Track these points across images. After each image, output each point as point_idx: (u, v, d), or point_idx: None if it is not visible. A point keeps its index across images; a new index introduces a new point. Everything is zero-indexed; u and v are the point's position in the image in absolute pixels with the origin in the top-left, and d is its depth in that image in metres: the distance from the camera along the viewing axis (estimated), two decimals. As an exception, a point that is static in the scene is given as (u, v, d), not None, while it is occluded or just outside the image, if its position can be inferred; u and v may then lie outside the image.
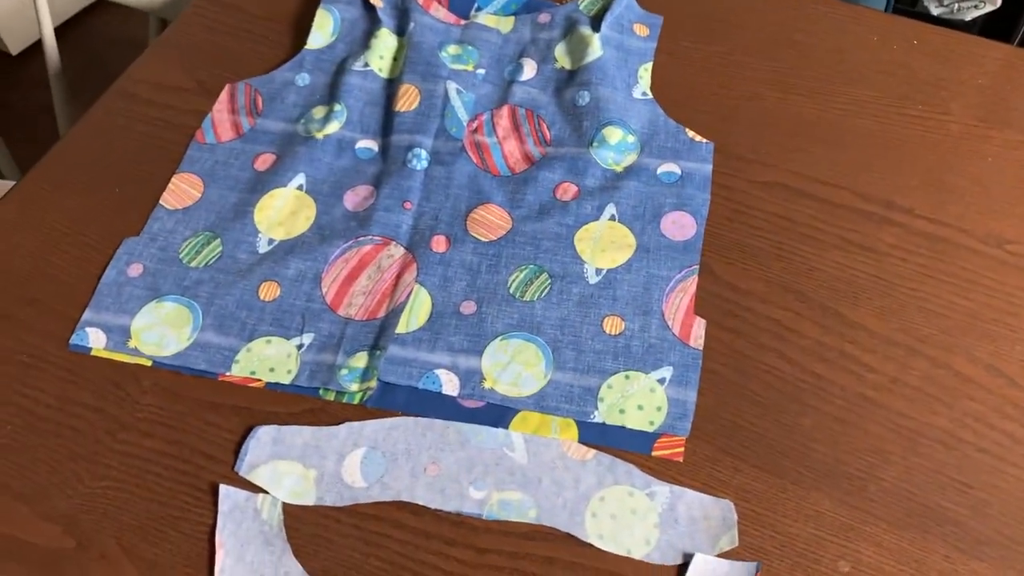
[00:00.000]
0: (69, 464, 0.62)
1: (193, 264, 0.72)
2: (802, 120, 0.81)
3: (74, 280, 0.71)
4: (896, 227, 0.74)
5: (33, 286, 0.71)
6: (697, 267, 0.71)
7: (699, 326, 0.68)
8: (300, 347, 0.67)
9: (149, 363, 0.67)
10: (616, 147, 0.78)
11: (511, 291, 0.70)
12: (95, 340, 0.68)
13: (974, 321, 0.68)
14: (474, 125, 0.80)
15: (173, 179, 0.77)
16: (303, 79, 0.83)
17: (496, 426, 0.64)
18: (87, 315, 0.69)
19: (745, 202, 0.76)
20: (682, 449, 0.62)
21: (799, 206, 0.75)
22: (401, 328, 0.68)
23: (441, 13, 0.87)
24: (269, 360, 0.66)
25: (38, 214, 0.75)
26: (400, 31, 0.86)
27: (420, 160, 0.77)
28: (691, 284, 0.70)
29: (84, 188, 0.77)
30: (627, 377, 0.65)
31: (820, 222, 0.74)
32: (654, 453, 0.62)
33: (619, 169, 0.77)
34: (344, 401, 0.65)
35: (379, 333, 0.68)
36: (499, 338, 0.67)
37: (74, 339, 0.68)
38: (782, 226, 0.74)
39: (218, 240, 0.73)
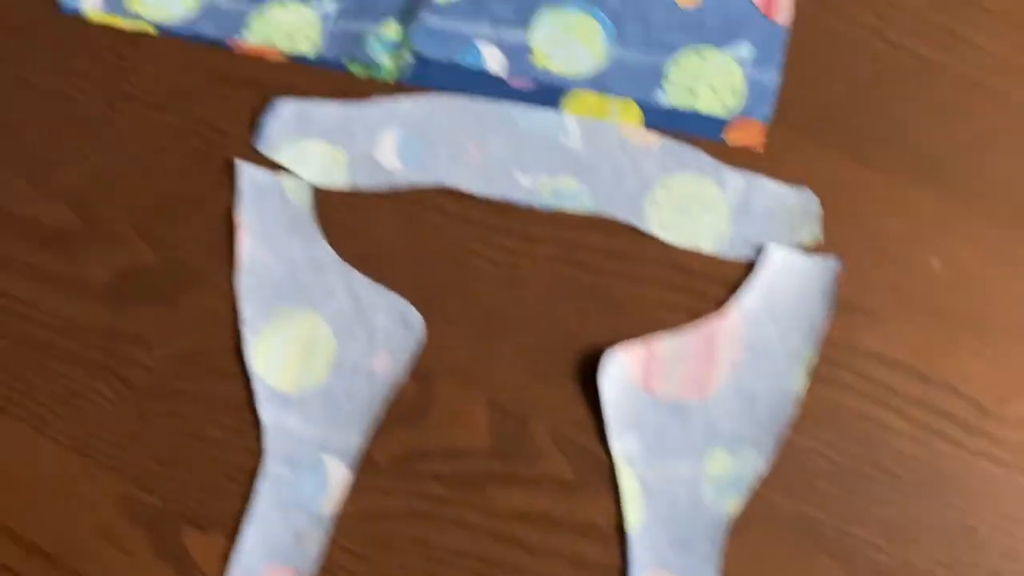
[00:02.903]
0: (69, 137, 0.56)
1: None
2: None
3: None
4: None
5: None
6: (787, -70, 0.60)
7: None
8: (322, 13, 0.58)
9: (152, 30, 0.58)
10: None
11: (567, -46, 0.59)
12: (89, 0, 0.58)
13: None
14: None
15: None
16: None
17: (547, 106, 0.56)
18: (76, -26, 0.59)
19: None
20: (762, 136, 0.55)
21: None
22: (438, -5, 0.58)
23: None
24: (287, 26, 0.58)
25: None
26: None
27: None
28: (779, -50, 0.59)
29: None
30: (700, 54, 0.56)
31: None
32: (728, 139, 0.55)
33: None
34: (376, 77, 0.57)
35: (412, 1, 0.58)
36: (550, 8, 0.58)
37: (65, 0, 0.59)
38: None
39: None
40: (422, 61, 0.57)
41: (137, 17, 0.58)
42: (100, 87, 0.57)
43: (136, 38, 0.58)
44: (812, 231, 0.52)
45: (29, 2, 0.59)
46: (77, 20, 0.58)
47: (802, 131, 0.55)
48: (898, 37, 0.57)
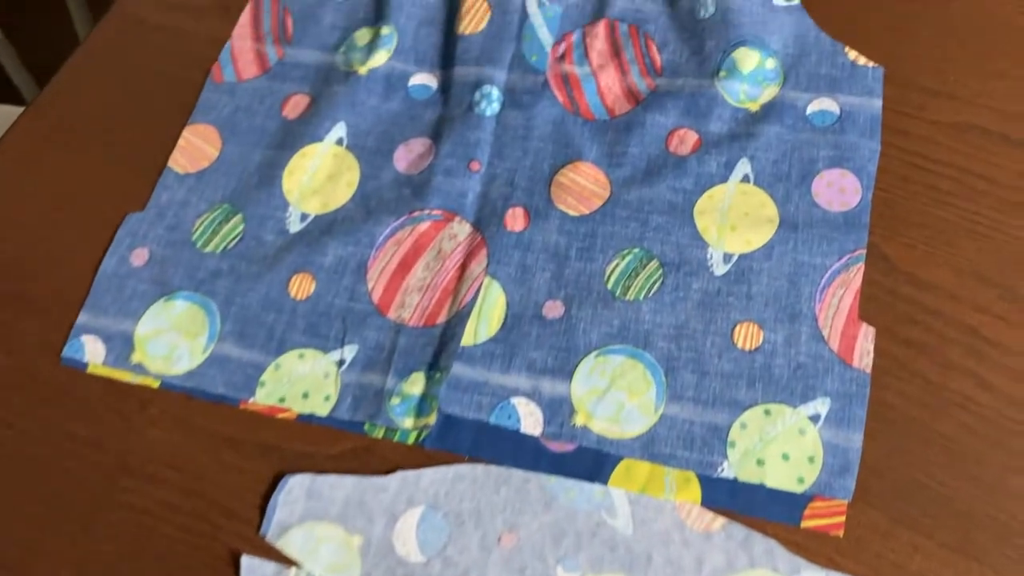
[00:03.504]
0: (63, 521, 0.50)
1: (208, 249, 0.57)
2: (1010, 30, 0.60)
3: (68, 269, 0.58)
4: None
5: (18, 277, 0.58)
6: (863, 251, 0.53)
7: (866, 337, 0.50)
8: (341, 364, 0.53)
9: (156, 384, 0.53)
10: (751, 76, 0.58)
11: (609, 286, 0.53)
12: (92, 353, 0.54)
13: None
14: (560, 50, 0.61)
15: (185, 132, 0.61)
16: (343, -10, 0.66)
17: (592, 480, 0.48)
18: (82, 318, 0.55)
19: (929, 154, 0.56)
20: (843, 519, 0.46)
21: (1004, 159, 0.55)
22: (467, 339, 0.52)
23: None
24: (302, 382, 0.52)
25: (21, 181, 0.61)
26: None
27: (491, 102, 0.59)
28: (855, 276, 0.52)
29: (77, 145, 0.62)
30: (767, 412, 0.49)
31: (1033, 179, 0.55)
32: (804, 524, 0.46)
33: (755, 108, 0.58)
34: (396, 440, 0.51)
35: (439, 346, 0.52)
36: (594, 353, 0.51)
37: (67, 351, 0.55)
38: (980, 189, 0.55)
39: (239, 216, 0.58)
40: (449, 421, 0.50)
41: (142, 371, 0.54)
42: (100, 454, 0.52)
43: (140, 395, 0.53)
44: (913, 654, 0.43)
45: (28, 356, 0.55)
46: (78, 375, 0.54)
47: (892, 512, 0.46)
48: (1003, 385, 0.49)
